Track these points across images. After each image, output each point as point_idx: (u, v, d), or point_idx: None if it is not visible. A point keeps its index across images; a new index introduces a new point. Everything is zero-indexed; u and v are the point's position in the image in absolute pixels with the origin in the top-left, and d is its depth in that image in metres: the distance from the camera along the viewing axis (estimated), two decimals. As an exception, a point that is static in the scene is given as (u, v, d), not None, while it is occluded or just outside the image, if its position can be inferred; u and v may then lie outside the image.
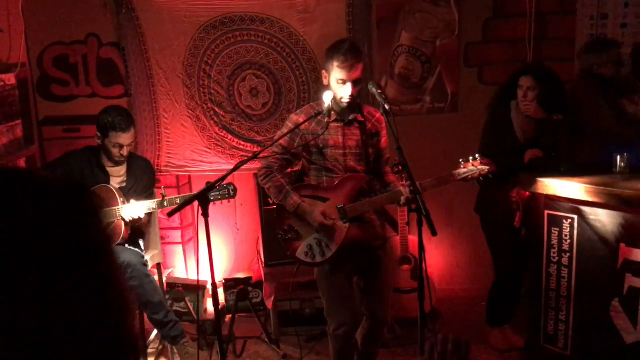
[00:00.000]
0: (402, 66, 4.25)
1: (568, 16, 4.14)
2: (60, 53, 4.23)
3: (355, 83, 2.74)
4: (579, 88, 3.48)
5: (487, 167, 2.74)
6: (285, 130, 2.87)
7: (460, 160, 2.79)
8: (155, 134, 4.30)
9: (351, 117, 2.85)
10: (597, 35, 4.02)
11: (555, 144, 3.33)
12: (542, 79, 3.32)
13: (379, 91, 2.70)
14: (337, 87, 2.75)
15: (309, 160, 2.93)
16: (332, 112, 2.82)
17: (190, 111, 4.26)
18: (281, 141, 2.86)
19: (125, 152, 3.45)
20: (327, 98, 2.76)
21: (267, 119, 4.30)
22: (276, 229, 2.93)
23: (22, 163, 4.04)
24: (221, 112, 4.27)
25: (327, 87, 2.81)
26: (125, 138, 3.39)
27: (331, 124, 2.83)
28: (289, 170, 2.97)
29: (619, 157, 3.10)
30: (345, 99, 2.76)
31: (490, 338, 3.78)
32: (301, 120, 2.81)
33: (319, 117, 2.77)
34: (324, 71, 2.85)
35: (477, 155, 2.77)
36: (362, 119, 2.87)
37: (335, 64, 2.72)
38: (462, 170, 2.77)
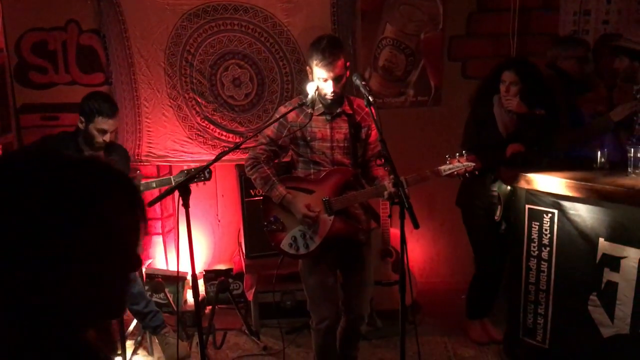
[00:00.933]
0: (386, 59, 4.24)
1: (551, 12, 4.15)
2: (39, 39, 4.14)
3: (336, 80, 2.72)
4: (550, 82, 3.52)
5: (472, 164, 2.74)
6: (271, 121, 2.85)
7: (447, 156, 2.79)
8: (135, 123, 4.24)
9: (338, 110, 2.83)
10: (581, 31, 4.05)
11: (537, 139, 3.35)
12: (525, 74, 3.33)
13: (363, 83, 2.68)
14: (320, 84, 2.74)
15: (296, 153, 2.92)
16: (320, 106, 2.81)
17: (171, 100, 4.21)
18: (268, 132, 2.85)
19: (107, 138, 3.39)
20: (310, 89, 2.75)
21: (250, 110, 4.26)
22: (262, 219, 2.91)
23: (-1, 151, 3.96)
24: (203, 102, 4.22)
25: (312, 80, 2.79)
26: (110, 124, 3.33)
27: (319, 117, 2.81)
28: (276, 161, 2.94)
29: (599, 153, 3.12)
30: (329, 96, 2.75)
31: (469, 331, 3.81)
32: (288, 110, 2.79)
33: (304, 108, 2.75)
34: (307, 67, 2.82)
35: (463, 152, 2.77)
36: (350, 112, 2.85)
37: (314, 62, 2.70)
38: (447, 166, 2.77)
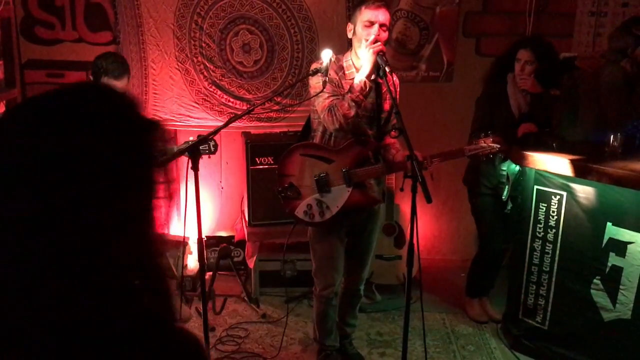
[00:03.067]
0: (400, 31, 4.17)
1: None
2: (46, -7, 4.06)
3: (382, 27, 2.65)
4: (603, 69, 3.32)
5: (498, 146, 2.71)
6: (313, 81, 2.76)
7: (473, 136, 2.76)
8: (142, 85, 4.18)
9: (372, 77, 2.72)
10: (600, 12, 3.97)
11: (550, 119, 3.31)
12: (541, 53, 3.27)
13: (380, 53, 2.63)
14: (363, 32, 2.65)
15: (319, 118, 2.82)
16: (353, 70, 2.75)
17: (179, 63, 4.14)
18: (319, 87, 2.70)
19: None
20: (325, 57, 2.69)
21: (258, 77, 4.20)
22: (277, 185, 2.88)
23: (1, 107, 3.90)
24: (211, 67, 4.16)
25: (342, 44, 2.71)
26: (116, 85, 3.28)
27: (350, 82, 2.72)
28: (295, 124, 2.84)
29: (612, 137, 3.08)
30: (370, 41, 2.60)
31: (468, 308, 3.83)
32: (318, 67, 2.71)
33: (318, 76, 2.69)
34: (349, 24, 2.76)
35: (489, 132, 2.74)
36: (381, 81, 2.78)
37: (363, 6, 2.65)
38: (472, 147, 2.74)
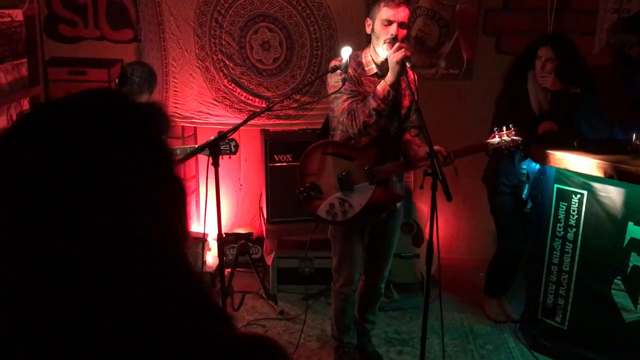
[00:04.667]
0: (420, 29, 4.15)
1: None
2: (69, -8, 4.11)
3: (400, 25, 2.62)
4: (604, 63, 3.33)
5: (520, 139, 2.71)
6: (331, 79, 2.74)
7: (495, 129, 2.76)
8: (162, 83, 4.22)
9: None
10: (623, 10, 3.92)
11: (570, 118, 3.27)
12: (562, 51, 3.24)
13: None
14: (382, 30, 2.63)
15: (337, 117, 2.81)
16: (372, 67, 2.74)
17: (199, 61, 4.17)
18: (345, 88, 2.70)
19: None
20: (345, 54, 2.70)
21: (277, 75, 4.22)
22: (297, 185, 2.88)
23: (25, 103, 3.97)
24: (231, 65, 4.18)
25: (362, 41, 2.71)
26: (141, 98, 3.34)
27: (370, 78, 2.75)
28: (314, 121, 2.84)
29: (634, 135, 3.04)
30: (388, 40, 2.60)
31: (486, 308, 3.81)
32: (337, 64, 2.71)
33: (338, 72, 2.69)
34: (367, 19, 2.74)
35: (510, 125, 2.73)
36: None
37: (382, 3, 2.61)
38: (495, 140, 2.74)
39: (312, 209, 2.85)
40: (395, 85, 2.60)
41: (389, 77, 2.59)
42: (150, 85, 3.42)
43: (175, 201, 0.78)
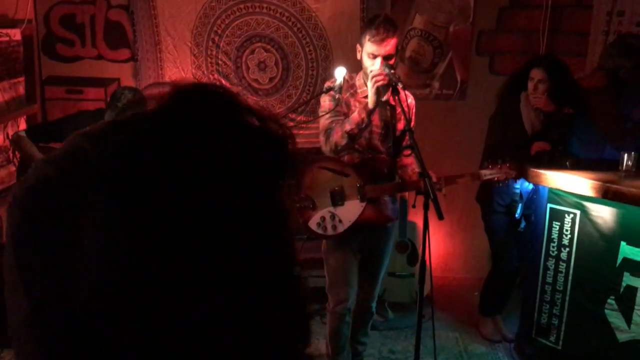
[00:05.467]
0: (414, 50, 4.20)
1: (584, 10, 4.09)
2: (68, 12, 4.15)
3: (385, 59, 2.67)
4: (597, 85, 3.37)
5: (515, 173, 2.73)
6: (324, 99, 2.83)
7: (489, 160, 2.78)
8: (159, 102, 4.25)
9: (384, 98, 2.74)
10: (613, 31, 3.98)
11: (563, 138, 3.31)
12: (554, 72, 3.28)
13: (392, 71, 2.66)
14: (368, 62, 2.69)
15: None
16: (365, 89, 2.78)
17: (196, 81, 4.20)
18: (327, 106, 2.79)
19: None
20: (338, 74, 2.73)
21: (273, 94, 4.25)
22: (293, 196, 2.92)
23: (22, 122, 3.99)
24: (227, 84, 4.21)
25: (359, 61, 2.77)
26: None
27: (364, 100, 2.78)
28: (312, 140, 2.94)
29: (626, 155, 3.07)
30: (372, 74, 2.65)
31: (481, 327, 3.80)
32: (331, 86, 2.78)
33: (332, 93, 2.73)
34: (357, 45, 2.79)
35: (506, 159, 2.75)
36: (393, 103, 2.79)
37: (368, 37, 2.66)
38: (488, 171, 2.76)
39: (304, 220, 2.89)
40: (372, 112, 2.66)
41: (369, 102, 2.65)
42: (141, 107, 3.43)
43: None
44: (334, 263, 2.97)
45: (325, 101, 2.80)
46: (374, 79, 2.60)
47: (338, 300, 2.98)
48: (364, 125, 2.65)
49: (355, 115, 2.65)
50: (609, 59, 3.34)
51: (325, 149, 2.74)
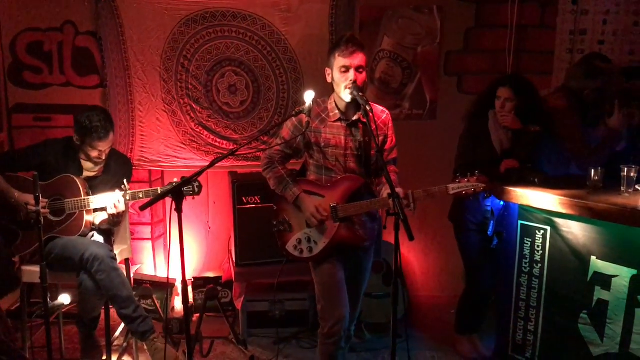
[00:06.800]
0: (383, 71, 4.25)
1: (548, 30, 4.18)
2: (34, 39, 4.12)
3: (357, 70, 2.71)
4: (562, 105, 3.40)
5: (483, 185, 2.73)
6: (287, 124, 2.93)
7: (457, 174, 2.78)
8: (129, 127, 4.22)
9: (354, 117, 2.79)
10: (577, 50, 4.07)
11: (531, 155, 3.35)
12: (520, 91, 3.33)
13: (360, 94, 2.69)
14: (341, 77, 2.72)
15: (310, 157, 2.94)
16: (336, 112, 2.82)
17: (166, 105, 4.19)
18: (284, 134, 2.90)
19: (103, 156, 3.39)
20: (308, 98, 2.74)
21: (245, 117, 4.25)
22: (272, 219, 2.97)
23: (-11, 150, 3.92)
24: (198, 108, 4.20)
25: (327, 83, 2.83)
26: (104, 144, 3.34)
27: (334, 124, 2.82)
28: (291, 161, 3.01)
29: (593, 171, 3.13)
30: (348, 85, 2.71)
31: (458, 346, 3.80)
32: (298, 119, 2.85)
33: (301, 116, 2.74)
34: (327, 68, 2.82)
35: (475, 172, 2.75)
36: (364, 120, 2.78)
37: (337, 53, 2.72)
38: (456, 185, 2.75)
39: (282, 244, 2.92)
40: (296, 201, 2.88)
41: (303, 204, 2.85)
42: (112, 123, 3.41)
43: None
44: (327, 284, 2.85)
45: (287, 127, 2.89)
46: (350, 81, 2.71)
47: (336, 320, 2.79)
48: (291, 202, 2.90)
49: (289, 194, 2.88)
50: (574, 80, 3.40)
51: (261, 170, 3.00)
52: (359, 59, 2.71)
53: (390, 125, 2.94)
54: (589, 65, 3.41)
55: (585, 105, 3.35)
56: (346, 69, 2.71)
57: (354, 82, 2.69)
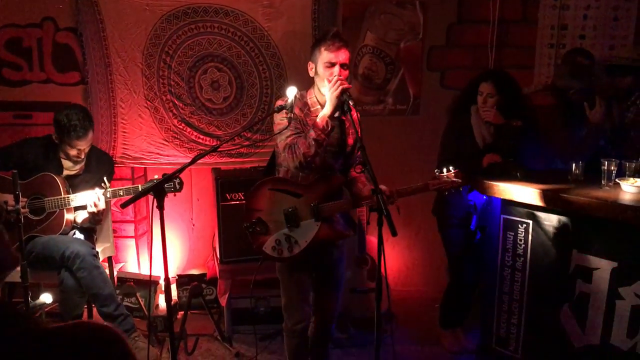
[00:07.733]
0: (366, 66, 4.25)
1: (529, 25, 4.21)
2: (13, 35, 4.06)
3: (342, 67, 2.69)
4: (548, 104, 3.44)
5: (460, 181, 2.76)
6: (276, 117, 2.81)
7: (436, 170, 2.80)
8: (111, 124, 4.18)
9: (336, 114, 2.73)
10: (558, 44, 4.10)
11: (513, 149, 3.37)
12: (502, 86, 3.35)
13: (349, 99, 2.67)
14: (325, 73, 2.69)
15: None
16: (318, 107, 2.78)
17: (148, 102, 4.15)
18: (282, 125, 2.76)
19: (82, 154, 3.36)
20: (290, 94, 2.73)
21: (228, 114, 4.23)
22: (244, 221, 2.86)
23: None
24: (180, 104, 4.17)
25: (311, 79, 2.79)
26: (82, 143, 3.31)
27: (316, 118, 2.76)
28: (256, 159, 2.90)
29: (574, 165, 3.16)
30: (333, 81, 2.65)
31: (442, 340, 3.82)
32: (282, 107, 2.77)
33: (283, 113, 2.73)
34: (310, 62, 2.79)
35: (450, 168, 2.77)
36: (343, 118, 2.80)
37: (323, 48, 2.69)
38: (436, 181, 2.78)
39: (257, 245, 2.83)
40: (333, 117, 2.65)
41: (327, 108, 2.64)
42: (91, 121, 3.39)
43: None
44: (289, 282, 2.93)
45: (279, 119, 2.79)
46: (338, 82, 2.61)
47: (298, 319, 2.94)
48: (330, 128, 2.65)
49: (319, 120, 2.64)
50: (560, 79, 3.45)
51: (294, 164, 2.69)
52: (344, 55, 2.70)
53: (357, 123, 2.92)
54: (574, 63, 3.44)
55: (571, 104, 3.39)
56: (331, 65, 2.68)
57: (347, 89, 2.63)
